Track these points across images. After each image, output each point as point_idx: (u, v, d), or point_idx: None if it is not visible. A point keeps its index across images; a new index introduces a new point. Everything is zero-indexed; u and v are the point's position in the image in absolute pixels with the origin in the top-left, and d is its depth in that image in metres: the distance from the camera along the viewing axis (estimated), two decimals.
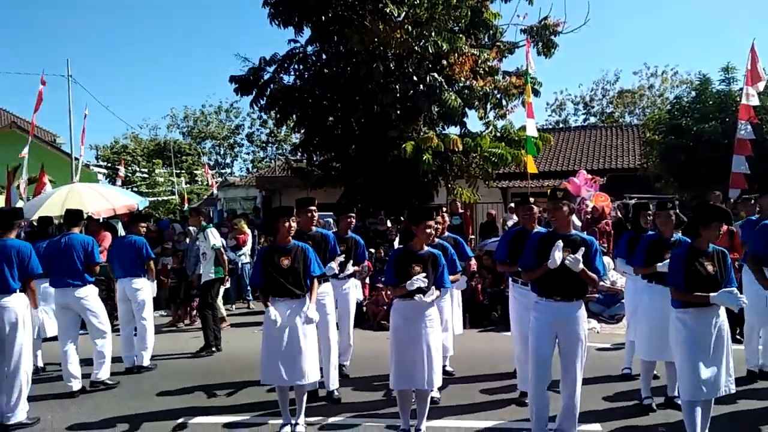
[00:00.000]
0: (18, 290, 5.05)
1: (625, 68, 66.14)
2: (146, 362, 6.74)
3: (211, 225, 7.99)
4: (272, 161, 39.30)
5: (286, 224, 4.69)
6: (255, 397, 5.60)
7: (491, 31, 13.67)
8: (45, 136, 26.24)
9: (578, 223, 9.56)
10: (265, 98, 13.45)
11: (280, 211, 4.78)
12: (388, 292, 7.85)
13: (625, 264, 5.63)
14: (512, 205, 13.84)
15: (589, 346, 4.43)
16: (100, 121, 71.41)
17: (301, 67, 13.74)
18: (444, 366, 5.70)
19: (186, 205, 24.69)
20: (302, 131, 14.86)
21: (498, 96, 13.57)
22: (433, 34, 12.03)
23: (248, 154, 46.99)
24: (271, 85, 13.41)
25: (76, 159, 17.56)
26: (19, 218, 5.48)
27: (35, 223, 8.56)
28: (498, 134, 13.77)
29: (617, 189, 14.21)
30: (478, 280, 9.23)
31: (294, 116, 14.10)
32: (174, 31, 71.16)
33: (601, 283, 7.61)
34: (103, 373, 6.04)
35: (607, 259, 8.02)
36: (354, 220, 6.40)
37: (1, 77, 78.67)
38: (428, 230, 4.53)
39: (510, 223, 10.76)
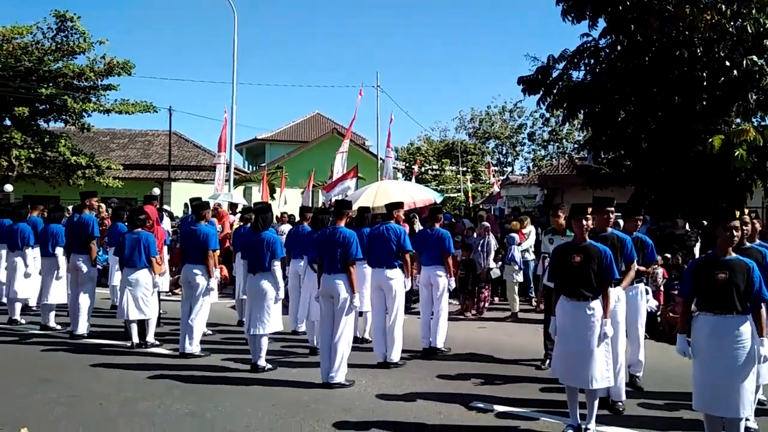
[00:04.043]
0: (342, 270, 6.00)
1: None
2: (440, 344, 7.33)
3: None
4: (554, 159, 38.61)
5: (579, 222, 4.65)
6: (529, 392, 5.70)
7: None
8: (357, 139, 30.22)
9: None
10: (552, 96, 13.33)
11: (575, 209, 4.75)
12: None
13: None
14: None
15: None
16: (399, 125, 79.13)
17: (593, 61, 13.23)
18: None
19: (471, 202, 25.88)
20: (589, 128, 14.33)
21: None
22: (753, 11, 10.45)
23: (529, 152, 47.01)
24: (560, 83, 13.23)
25: (382, 159, 19.81)
26: (348, 208, 6.49)
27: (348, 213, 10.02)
28: None
29: None
30: None
31: (582, 113, 13.70)
32: (462, 39, 75.09)
33: None
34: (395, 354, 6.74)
35: None
36: (640, 223, 6.02)
37: (324, 90, 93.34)
38: (728, 233, 4.02)
39: None
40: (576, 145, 36.95)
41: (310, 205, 12.91)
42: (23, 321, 8.74)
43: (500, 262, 10.19)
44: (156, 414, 5.03)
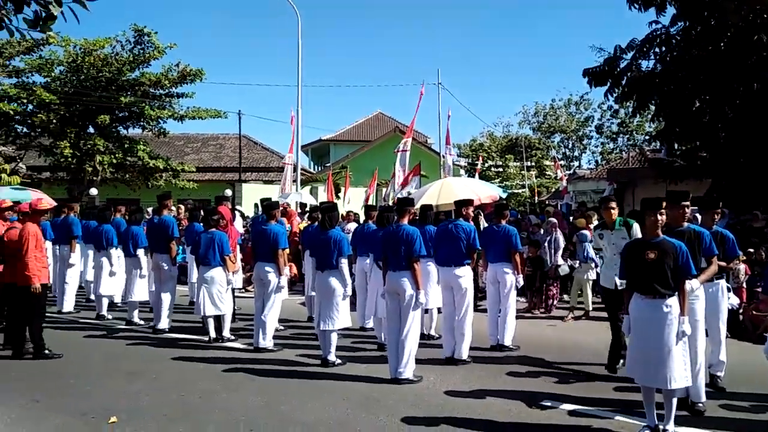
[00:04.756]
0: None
1: None
2: (507, 342, 7.28)
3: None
4: (623, 153, 37.30)
5: (653, 217, 4.52)
6: (602, 391, 5.59)
7: None
8: (419, 137, 30.26)
9: None
10: (620, 87, 12.90)
11: (647, 203, 4.62)
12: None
13: None
14: None
15: None
16: (462, 121, 78.50)
17: (663, 49, 12.71)
18: None
19: (536, 198, 25.38)
20: (661, 119, 13.77)
21: None
22: None
23: (597, 146, 45.60)
24: (628, 73, 12.78)
25: (443, 156, 19.78)
26: (411, 206, 6.54)
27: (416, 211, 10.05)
28: None
29: None
30: None
31: (652, 104, 13.18)
32: (521, 31, 73.60)
33: None
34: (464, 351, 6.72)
35: None
36: (718, 216, 5.77)
37: (386, 90, 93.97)
38: None
39: None
40: (647, 137, 35.60)
41: (374, 204, 13.07)
42: (110, 317, 9.31)
43: (569, 259, 9.97)
44: (233, 405, 5.26)
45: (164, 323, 8.31)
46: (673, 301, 4.43)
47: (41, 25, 3.58)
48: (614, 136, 43.93)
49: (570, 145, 46.80)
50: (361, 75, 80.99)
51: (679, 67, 12.04)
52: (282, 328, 8.25)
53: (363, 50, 79.09)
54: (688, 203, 5.13)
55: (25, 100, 22.13)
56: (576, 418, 4.93)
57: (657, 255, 4.45)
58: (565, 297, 10.73)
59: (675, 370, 4.35)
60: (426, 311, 7.50)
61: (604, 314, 9.68)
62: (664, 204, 4.65)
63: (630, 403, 5.17)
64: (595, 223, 10.37)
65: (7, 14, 3.62)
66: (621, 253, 4.94)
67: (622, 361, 6.09)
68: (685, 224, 5.13)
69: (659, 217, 4.53)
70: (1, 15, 3.62)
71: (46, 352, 6.83)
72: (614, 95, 13.17)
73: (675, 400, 4.48)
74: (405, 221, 6.28)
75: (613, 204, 6.48)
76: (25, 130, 24.05)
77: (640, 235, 5.70)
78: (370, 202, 15.78)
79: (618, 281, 5.91)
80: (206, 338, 7.68)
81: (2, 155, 24.60)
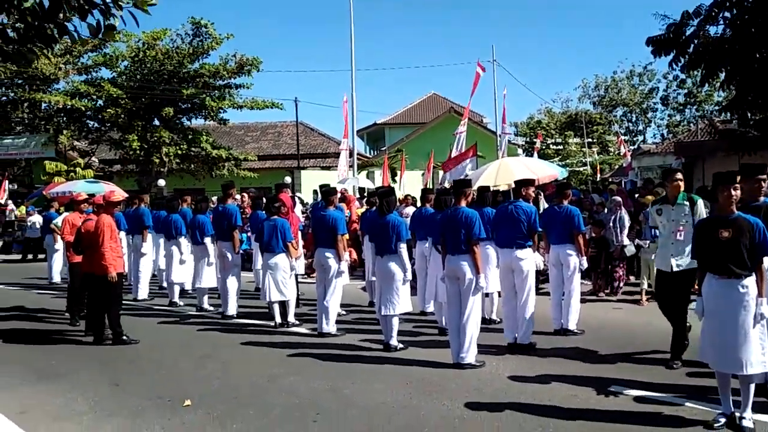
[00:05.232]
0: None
1: None
2: (572, 326, 7.14)
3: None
4: (691, 125, 35.55)
5: (726, 192, 4.30)
6: (673, 376, 5.42)
7: None
8: (474, 117, 29.85)
9: None
10: (687, 55, 12.25)
11: (720, 177, 4.39)
12: None
13: None
14: None
15: None
16: (518, 99, 76.91)
17: (734, 12, 11.96)
18: None
19: (598, 176, 24.61)
20: (733, 88, 13.00)
21: None
22: None
23: (663, 119, 43.67)
24: (695, 40, 12.11)
25: (500, 136, 19.45)
26: (468, 187, 6.46)
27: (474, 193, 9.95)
28: None
29: None
30: None
31: (723, 72, 12.45)
32: (580, 2, 70.86)
33: None
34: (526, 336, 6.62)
35: None
36: None
37: (439, 70, 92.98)
38: None
39: None
40: (717, 108, 33.76)
41: (431, 186, 13.00)
42: (182, 303, 9.73)
43: (636, 239, 9.62)
44: (299, 389, 5.41)
45: (232, 309, 8.60)
46: (750, 282, 4.22)
47: (103, 32, 3.74)
48: (681, 107, 41.98)
49: (633, 119, 45.09)
50: (414, 56, 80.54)
51: (753, 32, 11.30)
52: (344, 313, 8.39)
53: (415, 31, 78.39)
54: (764, 176, 4.86)
55: (95, 96, 23.23)
56: (645, 405, 4.79)
57: (732, 233, 4.24)
58: (632, 279, 10.40)
59: (752, 354, 4.15)
60: (486, 295, 7.44)
61: None
62: (739, 178, 4.42)
63: (703, 389, 4.99)
64: None
65: (70, 18, 3.79)
66: (692, 232, 4.73)
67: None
68: (762, 199, 4.87)
69: (733, 192, 4.30)
70: (65, 23, 3.80)
71: (124, 338, 7.21)
72: (680, 64, 12.52)
73: (752, 386, 4.28)
74: (463, 204, 6.21)
75: (680, 176, 5.86)
76: (95, 125, 25.30)
77: (704, 214, 5.49)
78: (427, 185, 15.73)
79: (674, 263, 5.56)
80: (272, 323, 7.90)
81: (77, 150, 26.01)
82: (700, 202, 5.63)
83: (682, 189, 5.77)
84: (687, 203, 5.66)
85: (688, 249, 5.23)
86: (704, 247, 4.42)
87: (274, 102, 23.98)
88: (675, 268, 5.56)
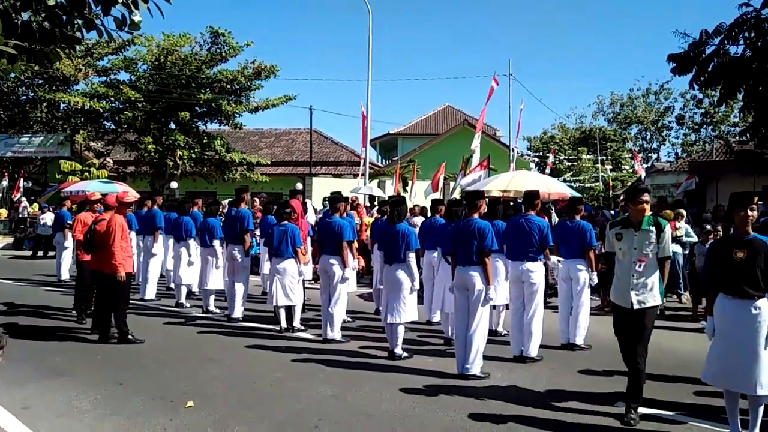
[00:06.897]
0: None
1: None
2: (579, 341, 7.07)
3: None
4: (707, 145, 35.32)
5: (743, 213, 4.25)
6: (680, 395, 5.33)
7: None
8: (488, 130, 29.85)
9: None
10: (706, 74, 12.19)
11: (737, 198, 4.34)
12: None
13: None
14: None
15: None
16: (532, 113, 76.83)
17: (754, 34, 11.91)
18: None
19: (611, 192, 24.48)
20: (751, 110, 12.90)
21: None
22: None
23: (677, 137, 43.41)
24: (715, 59, 12.06)
25: (512, 149, 19.40)
26: (481, 199, 6.44)
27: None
28: None
29: None
30: None
31: (741, 92, 12.38)
32: (599, 20, 70.89)
33: None
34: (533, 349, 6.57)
35: None
36: None
37: (455, 83, 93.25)
38: None
39: None
40: (733, 129, 33.52)
41: (441, 197, 12.99)
42: (188, 305, 9.74)
43: None
44: (302, 394, 5.38)
45: (238, 313, 8.60)
46: (763, 303, 4.17)
47: (129, 25, 3.78)
48: (697, 127, 41.69)
49: (648, 137, 44.80)
50: (430, 68, 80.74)
51: None
52: (350, 320, 8.36)
53: (432, 43, 78.72)
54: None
55: (113, 98, 23.50)
56: (650, 423, 4.72)
57: (746, 254, 4.19)
58: None
59: (763, 376, 4.09)
60: (493, 307, 7.39)
61: (682, 313, 9.27)
62: (756, 199, 4.37)
63: (710, 408, 4.92)
64: (683, 222, 9.75)
65: (97, 16, 3.84)
66: (707, 253, 4.63)
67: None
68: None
69: (750, 213, 4.26)
70: (91, 17, 3.85)
71: (130, 337, 7.22)
72: (699, 83, 12.47)
73: (762, 408, 4.21)
74: (476, 215, 6.18)
75: (647, 197, 4.88)
76: (112, 126, 25.55)
77: (670, 242, 4.87)
78: (436, 195, 15.73)
79: (635, 299, 4.66)
80: (278, 328, 7.88)
81: (92, 150, 26.28)
82: (668, 229, 4.85)
83: (648, 212, 4.85)
84: (653, 229, 4.76)
85: (651, 281, 4.68)
86: (718, 267, 4.36)
87: (287, 96, 24.12)
88: (636, 306, 4.67)
